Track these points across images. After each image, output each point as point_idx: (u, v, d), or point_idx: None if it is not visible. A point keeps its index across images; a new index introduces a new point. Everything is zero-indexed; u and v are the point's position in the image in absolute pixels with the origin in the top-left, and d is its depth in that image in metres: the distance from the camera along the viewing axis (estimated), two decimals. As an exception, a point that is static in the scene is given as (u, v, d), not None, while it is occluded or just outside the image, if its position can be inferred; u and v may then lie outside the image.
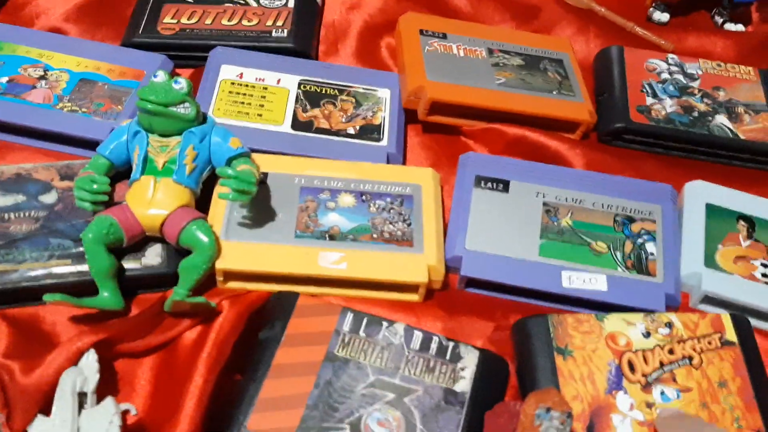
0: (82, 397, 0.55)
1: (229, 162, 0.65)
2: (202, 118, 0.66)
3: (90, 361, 0.56)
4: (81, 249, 0.61)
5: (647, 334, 0.62)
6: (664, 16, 0.99)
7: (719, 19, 0.99)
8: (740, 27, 0.99)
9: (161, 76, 0.64)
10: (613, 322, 0.63)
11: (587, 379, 0.59)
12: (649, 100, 0.82)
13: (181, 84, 0.63)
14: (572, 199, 0.71)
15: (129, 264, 0.62)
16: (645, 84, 0.84)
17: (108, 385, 0.58)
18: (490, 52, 0.83)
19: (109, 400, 0.54)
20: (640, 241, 0.69)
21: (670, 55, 0.89)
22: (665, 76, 0.86)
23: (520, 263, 0.66)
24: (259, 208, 0.66)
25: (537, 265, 0.66)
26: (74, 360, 0.56)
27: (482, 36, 0.85)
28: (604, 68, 0.87)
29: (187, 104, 0.63)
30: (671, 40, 0.95)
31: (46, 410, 0.55)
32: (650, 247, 0.69)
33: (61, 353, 0.56)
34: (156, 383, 0.59)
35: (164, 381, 0.59)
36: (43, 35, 0.81)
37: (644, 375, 0.60)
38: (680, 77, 0.86)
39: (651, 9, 0.99)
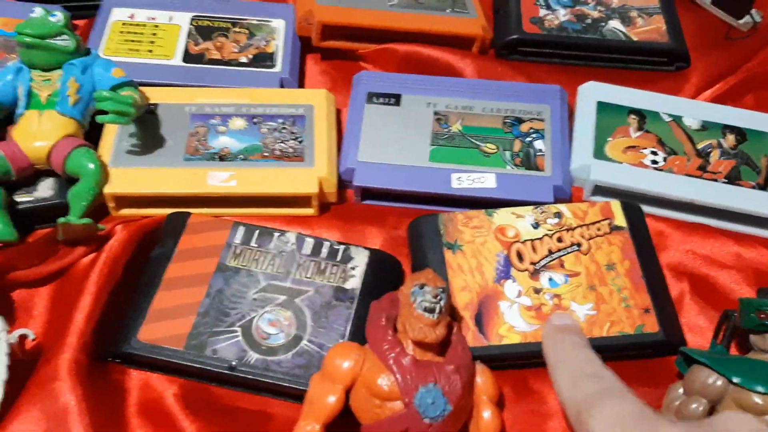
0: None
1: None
2: (84, 52, 0.67)
3: (-22, 287, 0.57)
4: (-30, 187, 0.62)
5: (536, 225, 0.64)
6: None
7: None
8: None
9: (38, 11, 0.64)
10: (502, 216, 0.64)
11: (476, 271, 0.61)
12: (543, 12, 0.83)
13: (58, 16, 0.64)
14: (462, 107, 0.72)
15: (21, 197, 0.63)
16: (538, -4, 0.86)
17: (6, 315, 0.58)
18: (382, -23, 0.84)
19: (-3, 320, 0.55)
20: (528, 139, 0.70)
21: None
22: None
23: (412, 170, 0.67)
24: (148, 136, 0.67)
25: (428, 170, 0.67)
26: (-36, 289, 0.57)
27: (375, -37, 0.86)
28: None
29: (65, 36, 0.64)
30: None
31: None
32: (539, 144, 0.70)
33: (-51, 282, 0.57)
34: (52, 309, 0.60)
35: (59, 306, 0.59)
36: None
37: (532, 263, 0.62)
38: None
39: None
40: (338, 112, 0.75)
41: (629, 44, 0.81)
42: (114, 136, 0.66)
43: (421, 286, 0.52)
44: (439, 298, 0.51)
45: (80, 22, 0.82)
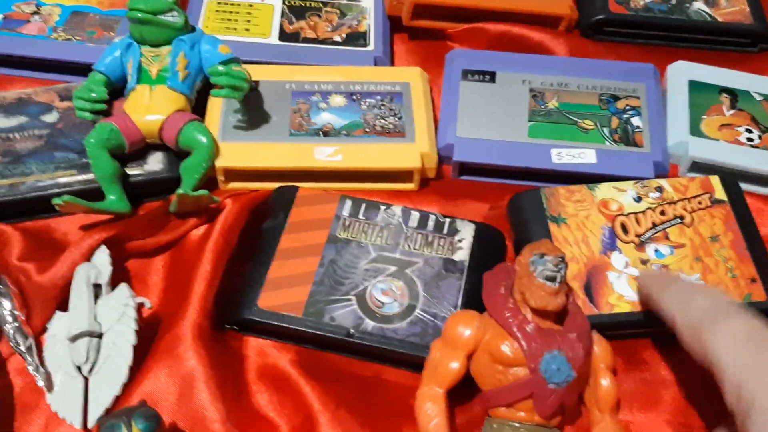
0: (97, 289, 0.58)
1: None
2: (190, 29, 0.68)
3: (101, 255, 0.59)
4: (85, 160, 0.64)
5: (638, 199, 0.64)
6: None
7: None
8: None
9: (149, -12, 0.66)
10: (604, 190, 0.64)
11: (581, 243, 0.61)
12: (629, -6, 0.84)
13: (168, -7, 0.65)
14: (557, 84, 0.72)
15: (132, 171, 0.64)
16: (623, -21, 0.86)
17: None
18: (469, -42, 0.85)
19: (122, 286, 0.56)
20: (625, 116, 0.70)
21: None
22: None
23: (511, 145, 0.68)
24: (253, 112, 0.68)
25: (527, 146, 0.68)
26: (87, 256, 0.59)
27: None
28: None
29: (174, 12, 0.65)
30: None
31: (64, 308, 0.58)
32: (636, 121, 0.70)
33: (74, 251, 0.59)
34: (167, 279, 0.61)
35: (175, 276, 0.61)
36: (30, -26, 0.83)
37: (637, 235, 0.62)
38: None
39: None
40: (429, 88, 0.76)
41: (715, 25, 0.81)
42: (220, 111, 0.68)
43: (541, 255, 0.52)
44: (559, 266, 0.52)
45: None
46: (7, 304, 0.57)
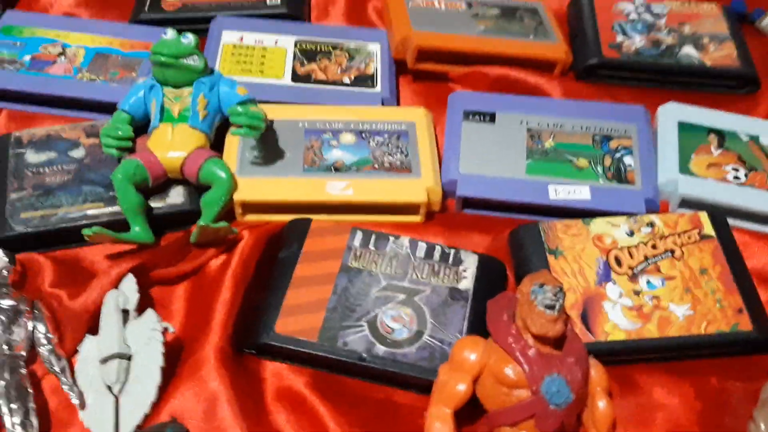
0: (125, 314, 0.61)
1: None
2: (210, 71, 0.73)
3: (129, 282, 0.62)
4: (112, 193, 0.68)
5: (631, 233, 0.68)
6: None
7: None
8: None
9: (170, 33, 0.70)
10: (598, 225, 0.69)
11: (578, 274, 0.65)
12: (620, 38, 0.89)
13: (189, 39, 0.70)
14: (553, 125, 0.77)
15: (155, 203, 0.68)
16: (615, 24, 0.91)
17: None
18: (469, 5, 0.90)
19: (149, 311, 0.60)
20: (618, 155, 0.75)
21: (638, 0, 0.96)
22: (633, 16, 0.92)
23: (510, 181, 0.72)
24: (268, 148, 0.73)
25: (526, 182, 0.72)
26: (115, 283, 0.62)
27: (461, -8, 0.92)
28: (577, 14, 0.93)
29: (195, 56, 0.70)
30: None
31: (93, 331, 0.61)
32: (628, 159, 0.75)
33: (103, 278, 0.62)
34: (189, 305, 0.65)
35: (196, 302, 0.65)
36: (58, 18, 0.88)
37: (630, 267, 0.66)
38: (647, 16, 0.92)
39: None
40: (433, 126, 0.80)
41: (703, 69, 0.86)
42: (237, 148, 0.72)
43: (541, 285, 0.56)
44: (558, 296, 0.56)
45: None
46: (41, 328, 0.60)
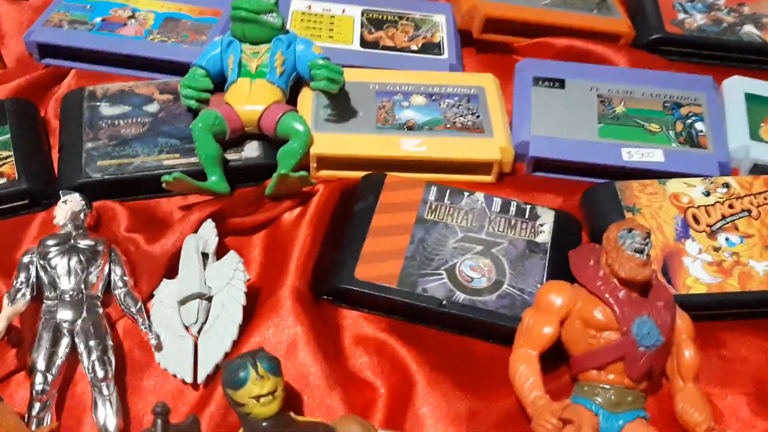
0: (204, 258, 0.61)
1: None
2: (286, 31, 0.74)
3: (208, 227, 0.63)
4: (187, 145, 0.68)
5: (707, 193, 0.68)
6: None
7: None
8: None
9: (252, -10, 0.71)
10: (674, 184, 0.68)
11: (656, 231, 0.65)
12: (681, 15, 0.89)
13: (269, -5, 0.71)
14: (623, 92, 0.77)
15: (231, 156, 0.69)
16: (675, 3, 0.91)
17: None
18: (532, -20, 0.91)
19: (232, 253, 0.60)
20: (689, 121, 0.75)
21: None
22: None
23: (583, 143, 0.72)
24: (342, 107, 0.73)
25: (598, 145, 0.72)
26: (194, 228, 0.63)
27: (523, -32, 0.93)
28: None
29: (274, 14, 0.71)
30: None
31: (170, 276, 0.61)
32: (699, 125, 0.75)
33: (182, 222, 0.63)
34: (265, 254, 0.65)
35: (272, 251, 0.65)
36: (127, -16, 0.90)
37: (708, 225, 0.65)
38: None
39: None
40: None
41: (765, 46, 0.86)
42: (312, 105, 0.72)
43: (629, 230, 0.55)
44: (646, 240, 0.55)
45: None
46: (118, 270, 0.61)
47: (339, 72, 0.69)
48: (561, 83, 0.78)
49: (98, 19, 0.82)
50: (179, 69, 0.76)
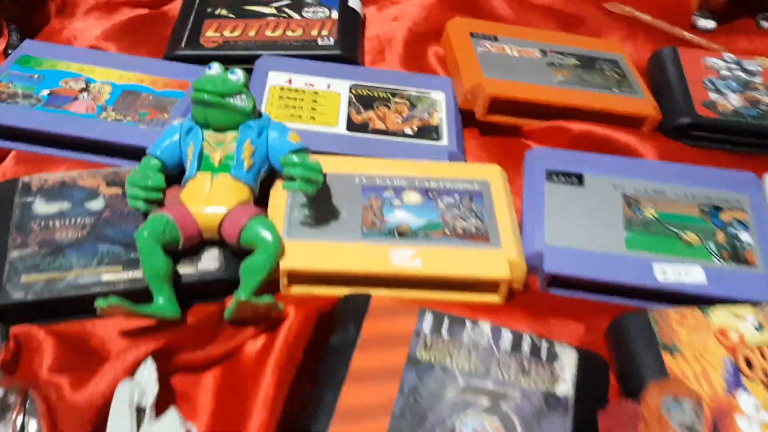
0: (139, 413, 0.49)
1: (288, 157, 0.61)
2: (258, 114, 0.62)
3: (148, 371, 0.50)
4: (132, 255, 0.56)
5: (759, 327, 0.56)
6: (709, 23, 0.96)
7: (766, 24, 0.97)
8: (790, 28, 0.96)
9: (216, 68, 0.60)
10: (719, 315, 0.56)
11: (702, 378, 0.53)
12: (713, 96, 0.78)
13: (238, 74, 0.60)
14: (652, 191, 0.66)
15: (184, 270, 0.57)
16: (706, 81, 0.81)
17: (166, 404, 0.51)
18: (544, 52, 0.80)
19: (172, 411, 0.47)
20: (732, 230, 0.63)
21: (727, 54, 0.86)
22: (725, 73, 0.82)
23: (607, 257, 0.60)
24: (321, 207, 0.61)
25: (626, 259, 0.61)
26: (130, 371, 0.50)
27: (533, 39, 0.82)
28: (661, 68, 0.84)
29: (243, 96, 0.60)
30: (720, 44, 0.93)
31: (100, 430, 0.49)
32: (744, 236, 0.63)
33: (115, 365, 0.50)
34: (219, 399, 0.52)
35: (228, 396, 0.52)
36: (82, 51, 0.79)
37: (765, 372, 0.54)
38: (740, 74, 0.82)
39: (695, 16, 0.97)
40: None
41: (811, 131, 0.76)
42: (285, 205, 0.61)
43: (676, 398, 0.44)
44: (699, 414, 0.43)
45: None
46: (33, 425, 0.48)
47: (317, 170, 0.58)
48: (579, 179, 0.67)
49: (45, 92, 0.71)
50: (136, 153, 0.65)
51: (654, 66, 0.86)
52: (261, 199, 0.62)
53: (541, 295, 0.62)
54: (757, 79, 0.82)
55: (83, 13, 0.87)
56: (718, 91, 0.80)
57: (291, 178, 0.58)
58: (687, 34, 0.93)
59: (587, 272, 0.60)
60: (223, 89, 0.58)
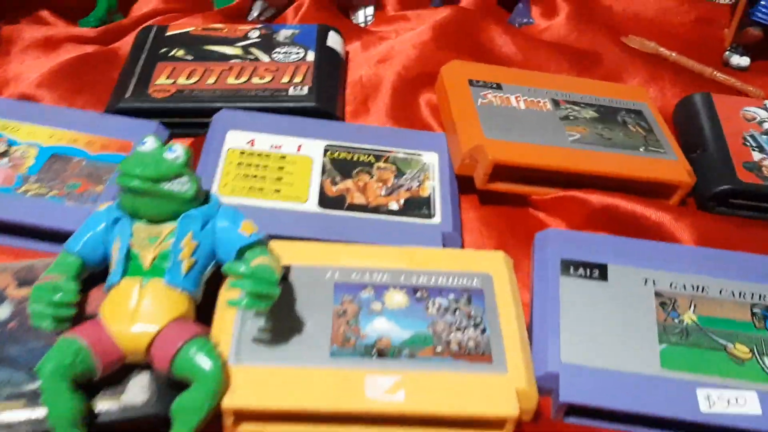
0: None
1: (240, 254, 0.49)
2: (203, 197, 0.50)
3: None
4: (39, 384, 0.45)
5: (834, 479, 0.44)
6: (743, 60, 0.84)
7: (807, 60, 0.85)
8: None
9: (150, 143, 0.48)
10: (781, 461, 0.45)
11: None
12: (756, 155, 0.66)
13: (177, 152, 0.48)
14: (692, 286, 0.54)
15: (103, 404, 0.44)
16: (746, 136, 0.69)
17: None
18: (556, 103, 0.68)
19: None
20: (793, 340, 0.52)
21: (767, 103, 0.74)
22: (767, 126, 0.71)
23: (639, 380, 0.48)
24: (281, 317, 0.49)
25: (661, 382, 0.48)
26: None
27: (544, 85, 0.70)
28: (692, 119, 0.72)
29: (184, 179, 0.47)
30: (757, 85, 0.81)
31: None
32: (808, 348, 0.51)
33: None
34: None
35: None
36: (7, 103, 0.66)
37: None
38: None
39: (727, 53, 0.85)
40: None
41: None
42: (234, 318, 0.49)
43: None
44: None
45: (184, 141, 0.67)
46: None
47: (270, 282, 0.45)
48: (602, 271, 0.54)
49: (-47, 158, 0.59)
50: (61, 238, 0.53)
51: (683, 115, 0.74)
52: (207, 303, 0.50)
53: (554, 425, 0.49)
54: (807, 131, 0.70)
55: (20, 52, 0.75)
56: (761, 148, 0.67)
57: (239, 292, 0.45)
58: (719, 75, 0.81)
59: (613, 401, 0.47)
60: (157, 173, 0.46)
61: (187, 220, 0.48)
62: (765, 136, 0.69)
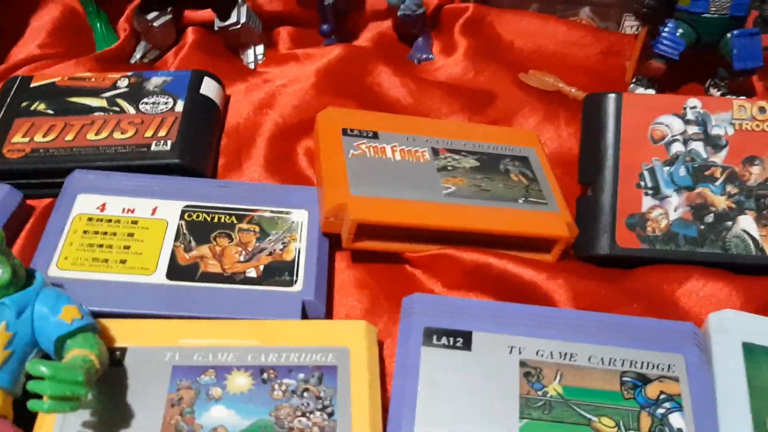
0: None
1: (60, 343, 0.45)
2: (24, 280, 0.46)
3: None
4: None
5: None
6: (649, 92, 0.82)
7: (716, 92, 0.83)
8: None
9: (-46, 227, 0.44)
10: None
11: None
12: (647, 203, 0.62)
13: (-16, 233, 0.44)
14: (560, 354, 0.51)
15: None
16: (645, 171, 0.63)
17: None
18: (435, 152, 0.65)
19: None
20: (660, 411, 0.48)
21: (690, 106, 0.65)
22: (677, 149, 0.64)
23: (495, 462, 0.46)
24: (108, 409, 0.45)
25: (520, 464, 0.46)
26: None
27: (425, 132, 0.67)
28: (594, 132, 0.65)
29: (-7, 264, 0.44)
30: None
31: None
32: (676, 420, 0.48)
33: None
34: None
35: None
36: None
37: None
38: (699, 147, 0.64)
39: (632, 85, 0.83)
40: (380, 346, 0.54)
41: (763, 260, 0.60)
42: (56, 416, 0.45)
43: None
44: None
45: (37, 203, 0.63)
46: None
47: (75, 381, 0.41)
48: (466, 339, 0.51)
49: None
50: None
51: (588, 120, 0.66)
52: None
53: None
54: (719, 157, 0.64)
55: None
56: (655, 191, 0.63)
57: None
58: (618, 111, 0.79)
59: (466, 490, 0.45)
60: (-43, 260, 0.42)
61: (0, 308, 0.44)
62: (666, 168, 0.64)
